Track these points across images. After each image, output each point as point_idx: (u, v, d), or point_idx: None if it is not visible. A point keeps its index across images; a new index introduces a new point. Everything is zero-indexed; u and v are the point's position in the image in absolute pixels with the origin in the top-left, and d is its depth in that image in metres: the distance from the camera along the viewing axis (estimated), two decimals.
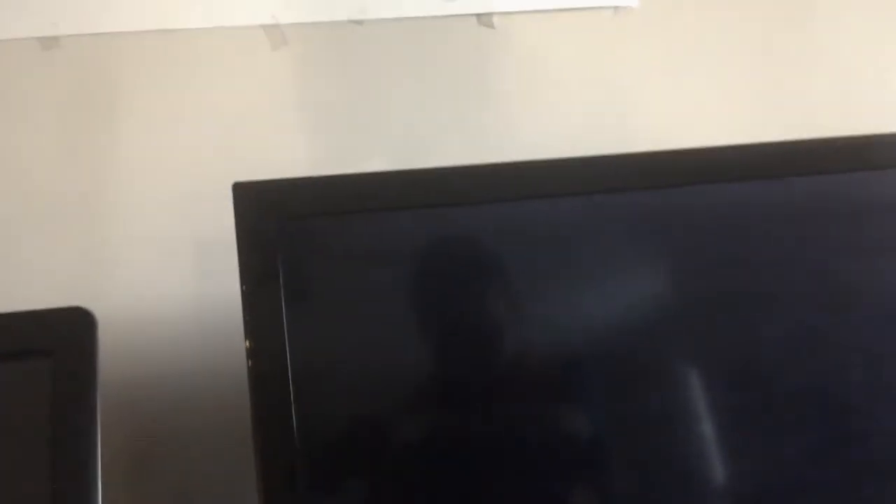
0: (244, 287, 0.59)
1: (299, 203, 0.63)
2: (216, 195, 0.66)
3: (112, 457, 0.58)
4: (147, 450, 0.79)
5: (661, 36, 0.94)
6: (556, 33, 0.92)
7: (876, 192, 0.70)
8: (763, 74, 0.95)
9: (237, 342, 0.59)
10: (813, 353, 0.66)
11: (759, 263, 0.67)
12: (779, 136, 0.70)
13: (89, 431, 0.55)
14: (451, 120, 0.90)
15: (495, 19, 0.91)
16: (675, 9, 0.94)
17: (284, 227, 0.61)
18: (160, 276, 0.82)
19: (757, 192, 0.68)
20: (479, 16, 0.91)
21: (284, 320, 0.59)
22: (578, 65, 0.92)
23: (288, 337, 0.59)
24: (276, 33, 0.88)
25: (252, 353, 0.58)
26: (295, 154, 0.87)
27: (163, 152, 0.85)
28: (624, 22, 0.93)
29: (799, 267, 0.68)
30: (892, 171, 0.70)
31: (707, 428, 0.63)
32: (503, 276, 0.65)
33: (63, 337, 0.58)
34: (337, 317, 0.62)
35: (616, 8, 0.93)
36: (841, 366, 0.66)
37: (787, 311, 0.67)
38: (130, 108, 0.86)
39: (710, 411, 0.64)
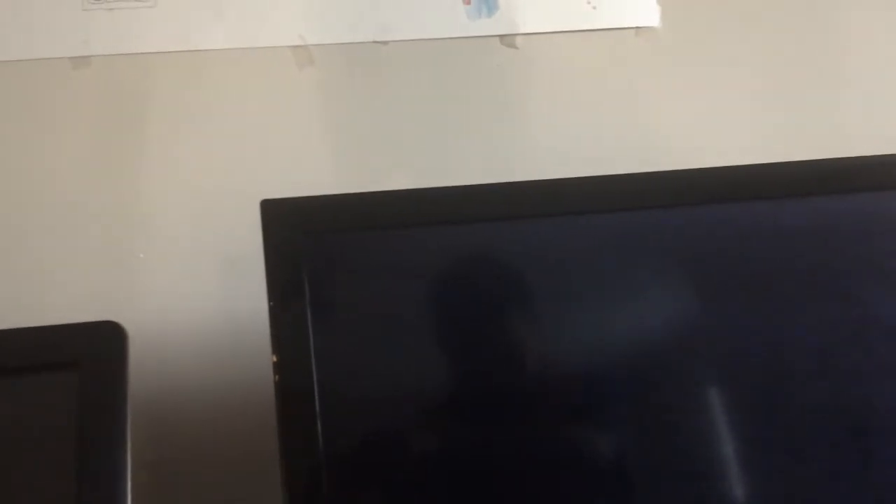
0: (271, 302, 0.60)
1: (326, 220, 0.63)
2: (243, 211, 0.67)
3: (139, 470, 0.58)
4: (173, 463, 0.79)
5: (684, 55, 0.94)
6: (578, 54, 0.92)
7: None
8: (787, 93, 0.95)
9: (264, 357, 0.60)
10: (836, 373, 0.66)
11: (787, 283, 0.67)
12: (804, 155, 0.69)
13: (119, 444, 0.56)
14: (473, 139, 0.90)
15: (518, 40, 0.92)
16: (697, 28, 0.94)
17: (311, 243, 0.62)
18: (187, 291, 0.83)
19: (783, 211, 0.68)
20: (502, 37, 0.92)
21: (311, 335, 0.60)
22: (601, 85, 0.92)
23: (314, 352, 0.59)
24: (302, 54, 0.89)
25: (279, 368, 0.59)
26: (320, 171, 0.88)
27: (191, 170, 0.86)
28: (646, 42, 0.93)
29: (825, 287, 0.67)
30: None
31: (728, 448, 0.63)
32: (526, 292, 0.65)
33: (94, 350, 0.58)
34: (362, 332, 0.62)
35: (638, 28, 0.93)
36: (865, 385, 0.66)
37: (814, 332, 0.66)
38: (159, 126, 0.87)
39: (731, 430, 0.63)
